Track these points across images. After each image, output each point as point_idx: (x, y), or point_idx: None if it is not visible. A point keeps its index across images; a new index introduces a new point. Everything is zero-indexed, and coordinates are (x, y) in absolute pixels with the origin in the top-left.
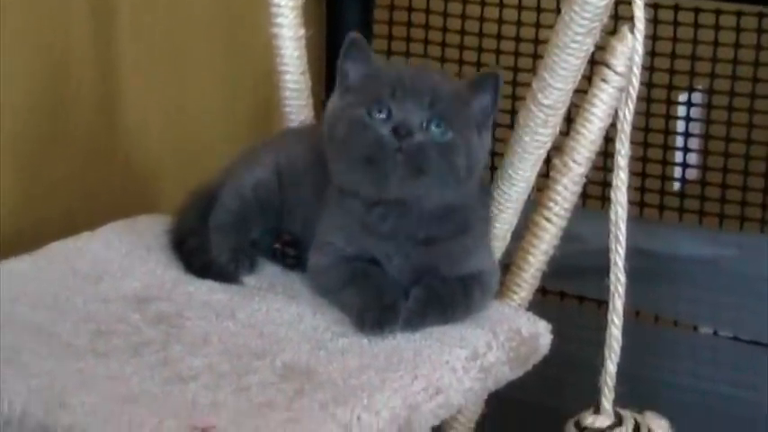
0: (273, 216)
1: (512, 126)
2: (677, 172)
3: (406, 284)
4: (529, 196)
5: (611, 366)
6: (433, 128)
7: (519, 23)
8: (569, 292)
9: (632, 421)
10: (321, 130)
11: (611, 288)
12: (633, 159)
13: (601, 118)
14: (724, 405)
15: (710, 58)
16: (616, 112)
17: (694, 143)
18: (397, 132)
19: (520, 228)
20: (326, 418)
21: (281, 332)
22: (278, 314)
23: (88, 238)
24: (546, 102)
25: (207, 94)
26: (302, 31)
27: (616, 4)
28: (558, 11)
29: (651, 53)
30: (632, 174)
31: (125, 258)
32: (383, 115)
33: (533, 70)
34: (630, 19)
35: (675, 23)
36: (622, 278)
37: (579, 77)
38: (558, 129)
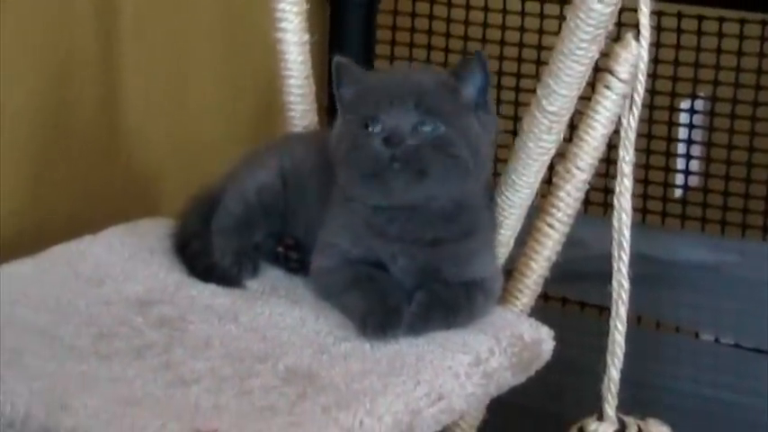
0: (277, 220)
1: (515, 132)
2: (679, 179)
3: (410, 287)
4: (532, 202)
5: (614, 373)
6: (424, 128)
7: (522, 29)
8: (571, 298)
9: (635, 428)
10: (325, 135)
11: (615, 295)
12: (636, 166)
13: (604, 125)
14: (725, 411)
15: (713, 66)
16: (619, 118)
17: (697, 150)
18: (389, 142)
19: (523, 234)
20: (329, 422)
21: (283, 336)
22: (280, 318)
23: (90, 241)
24: (550, 108)
25: (209, 96)
26: (306, 37)
27: (620, 12)
28: (561, 17)
29: (654, 60)
30: (635, 180)
31: (128, 261)
32: (377, 128)
33: (537, 76)
34: (634, 26)
35: (678, 31)
36: (626, 284)
37: (584, 84)
38: (562, 135)
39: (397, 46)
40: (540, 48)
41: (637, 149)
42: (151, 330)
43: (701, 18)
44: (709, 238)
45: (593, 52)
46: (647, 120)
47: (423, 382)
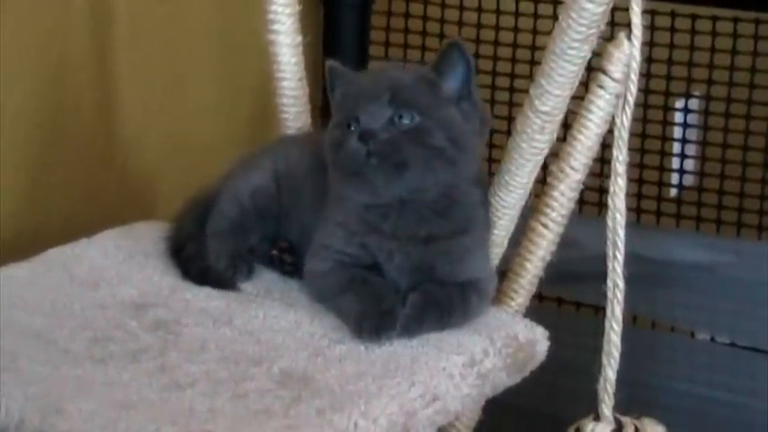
0: (271, 223)
1: (509, 133)
2: (674, 178)
3: (405, 286)
4: (526, 202)
5: (610, 373)
6: (401, 121)
7: (516, 30)
8: (566, 299)
9: (632, 428)
10: (319, 137)
11: (610, 295)
12: (630, 166)
13: (598, 124)
14: (721, 411)
15: (707, 65)
16: (613, 118)
17: (691, 149)
18: (362, 138)
19: (517, 234)
20: (324, 424)
21: (278, 339)
22: (275, 321)
23: (86, 245)
24: (543, 108)
25: (204, 99)
26: (299, 38)
27: (612, 11)
28: (555, 17)
29: (648, 59)
30: (629, 180)
31: (122, 265)
32: (355, 127)
33: (530, 77)
34: (627, 25)
35: (672, 30)
36: (621, 284)
37: (576, 84)
38: (555, 135)
39: (391, 47)
40: (533, 48)
41: (631, 149)
42: (146, 334)
43: (694, 17)
44: (705, 238)
45: (586, 52)
46: (642, 119)
47: (417, 383)
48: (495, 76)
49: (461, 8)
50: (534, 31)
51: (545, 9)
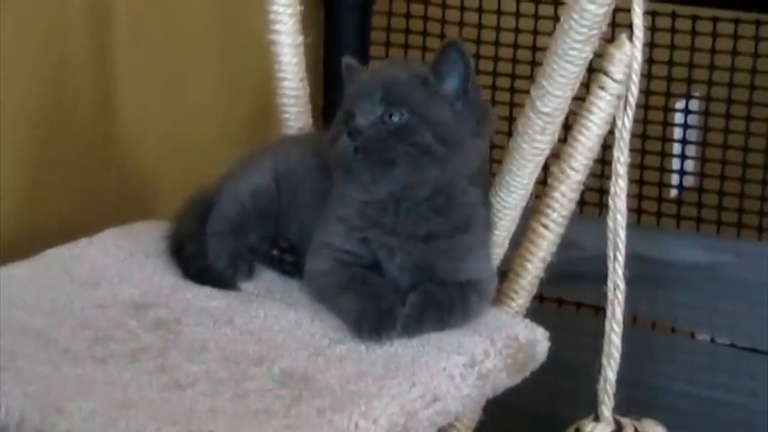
0: (271, 222)
1: (510, 133)
2: (674, 179)
3: (405, 285)
4: (527, 203)
5: (610, 374)
6: (392, 119)
7: (517, 30)
8: (567, 299)
9: (632, 429)
10: (320, 137)
11: (610, 295)
12: (630, 166)
13: (598, 125)
14: (721, 411)
15: (708, 66)
16: (614, 119)
17: (691, 150)
18: (351, 135)
19: (518, 235)
20: (324, 424)
21: (278, 339)
22: (276, 321)
23: (86, 244)
24: (544, 109)
25: (204, 99)
26: (301, 38)
27: (614, 12)
28: (556, 18)
29: (648, 60)
30: (630, 181)
31: (123, 264)
32: (350, 124)
33: (531, 77)
34: (628, 26)
35: (673, 31)
36: (621, 285)
37: (578, 85)
38: (556, 136)
39: (392, 47)
40: (534, 49)
41: (631, 150)
42: (146, 333)
43: (695, 18)
44: (705, 239)
45: (587, 53)
46: (642, 120)
47: (418, 383)
48: (495, 76)
49: (462, 9)
50: (535, 32)
51: (546, 10)
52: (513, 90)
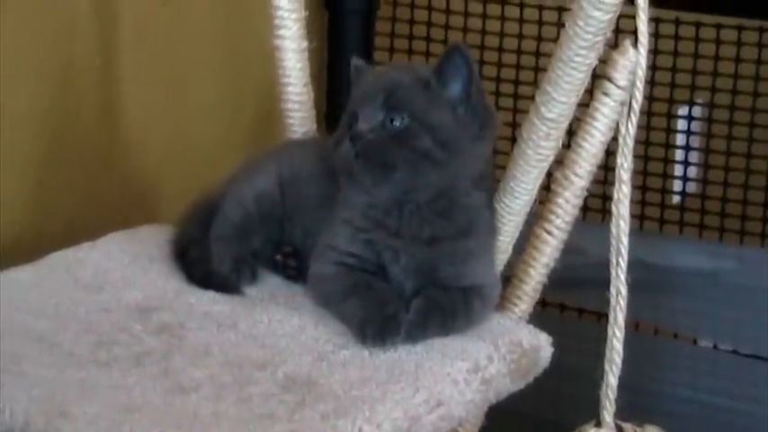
0: (275, 227)
1: (514, 139)
2: (677, 185)
3: (409, 289)
4: (530, 209)
5: (612, 379)
6: (393, 124)
7: (520, 36)
8: (569, 305)
9: None
10: (324, 142)
11: (613, 301)
12: (633, 173)
13: (602, 131)
14: (723, 417)
15: (711, 73)
16: (617, 125)
17: (694, 157)
18: (352, 140)
19: (521, 240)
20: (328, 429)
21: (282, 343)
22: (279, 325)
23: (90, 248)
24: (549, 115)
25: (208, 103)
26: (305, 43)
27: (618, 18)
28: (560, 24)
29: (652, 67)
30: (633, 187)
31: (127, 268)
32: (353, 128)
33: (535, 83)
34: (631, 32)
35: (676, 37)
36: (624, 291)
37: (582, 91)
38: (560, 142)
39: (396, 53)
40: (538, 55)
41: (634, 156)
42: (150, 337)
43: (698, 25)
44: (708, 245)
45: (592, 59)
46: (645, 126)
47: (422, 388)
48: (499, 82)
49: (466, 14)
50: (539, 38)
51: (549, 16)
52: (516, 96)
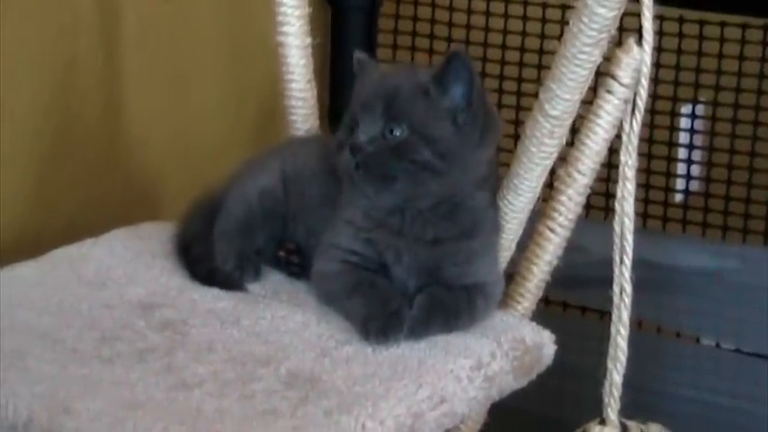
0: (278, 224)
1: (517, 137)
2: (680, 184)
3: (412, 288)
4: (533, 206)
5: (616, 377)
6: (393, 134)
7: (524, 33)
8: (572, 303)
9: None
10: (327, 139)
11: (617, 299)
12: (636, 170)
13: (606, 129)
14: (726, 416)
15: (715, 71)
16: (621, 123)
17: (698, 155)
18: (352, 151)
19: (524, 238)
20: (331, 425)
21: (285, 340)
22: (283, 322)
23: (93, 245)
24: (553, 112)
25: (211, 100)
26: (308, 40)
27: (622, 16)
28: (563, 22)
29: (656, 65)
30: (636, 185)
31: (130, 265)
32: (354, 134)
33: (539, 80)
34: (636, 30)
35: (680, 35)
36: (628, 289)
37: (586, 88)
38: (564, 139)
39: (399, 50)
40: (541, 52)
41: (638, 154)
42: (153, 334)
43: (702, 23)
44: (711, 244)
45: (596, 56)
46: (649, 124)
47: (425, 385)
48: (502, 79)
49: (469, 11)
50: (542, 36)
51: (553, 13)
52: (519, 93)
